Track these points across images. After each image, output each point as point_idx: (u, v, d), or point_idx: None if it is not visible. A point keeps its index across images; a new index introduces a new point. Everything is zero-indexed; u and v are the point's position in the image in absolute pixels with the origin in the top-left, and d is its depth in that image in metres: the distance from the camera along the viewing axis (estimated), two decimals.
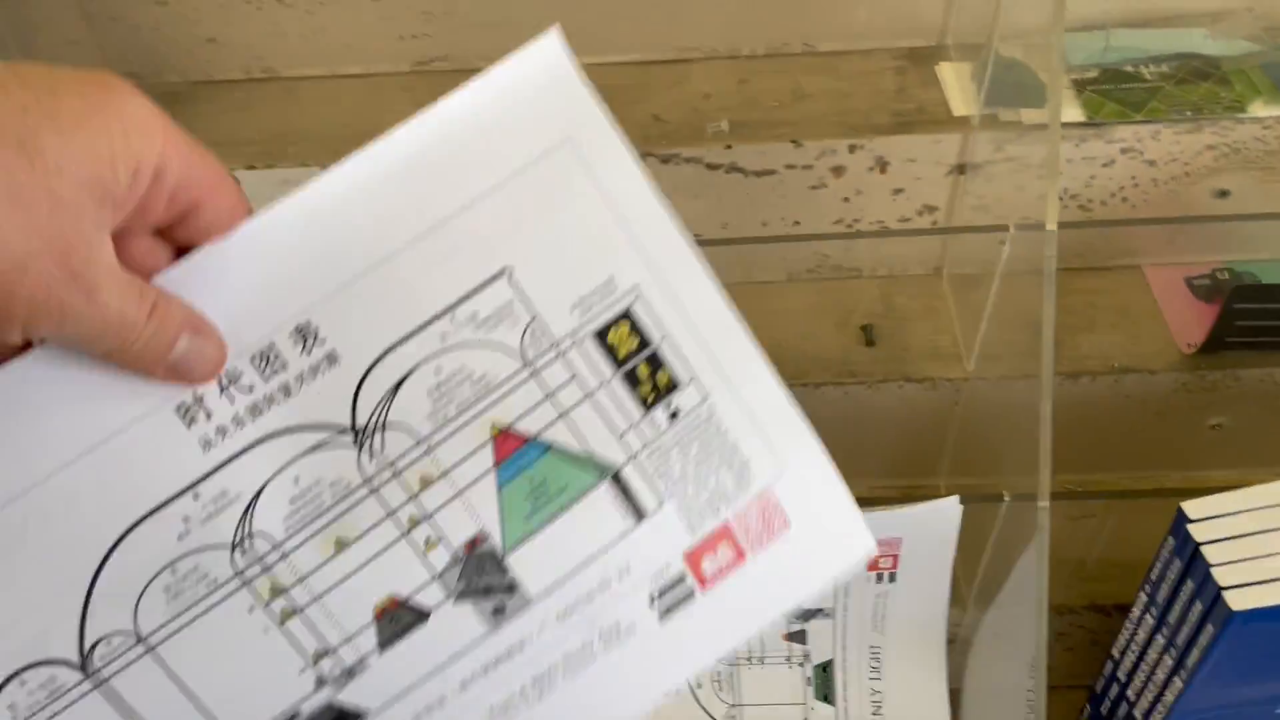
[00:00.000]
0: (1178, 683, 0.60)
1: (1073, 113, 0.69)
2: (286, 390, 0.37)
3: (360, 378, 0.38)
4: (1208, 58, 0.73)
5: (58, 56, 0.70)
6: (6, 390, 0.33)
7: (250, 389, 0.37)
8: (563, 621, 0.41)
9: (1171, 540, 0.57)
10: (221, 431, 0.36)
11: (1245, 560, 0.53)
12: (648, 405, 0.42)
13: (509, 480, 0.40)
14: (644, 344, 0.42)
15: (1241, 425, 0.72)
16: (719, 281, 0.43)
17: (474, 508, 0.40)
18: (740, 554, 0.44)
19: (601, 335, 0.41)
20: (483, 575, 0.40)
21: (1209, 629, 0.55)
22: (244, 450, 0.37)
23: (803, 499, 0.45)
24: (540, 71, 0.39)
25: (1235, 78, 0.71)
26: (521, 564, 0.40)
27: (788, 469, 0.44)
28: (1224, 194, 0.72)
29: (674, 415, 0.43)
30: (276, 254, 0.37)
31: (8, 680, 0.33)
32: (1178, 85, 0.71)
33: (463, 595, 0.40)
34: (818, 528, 0.45)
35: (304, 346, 0.38)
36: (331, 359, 0.38)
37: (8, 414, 0.33)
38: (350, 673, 0.38)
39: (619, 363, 0.42)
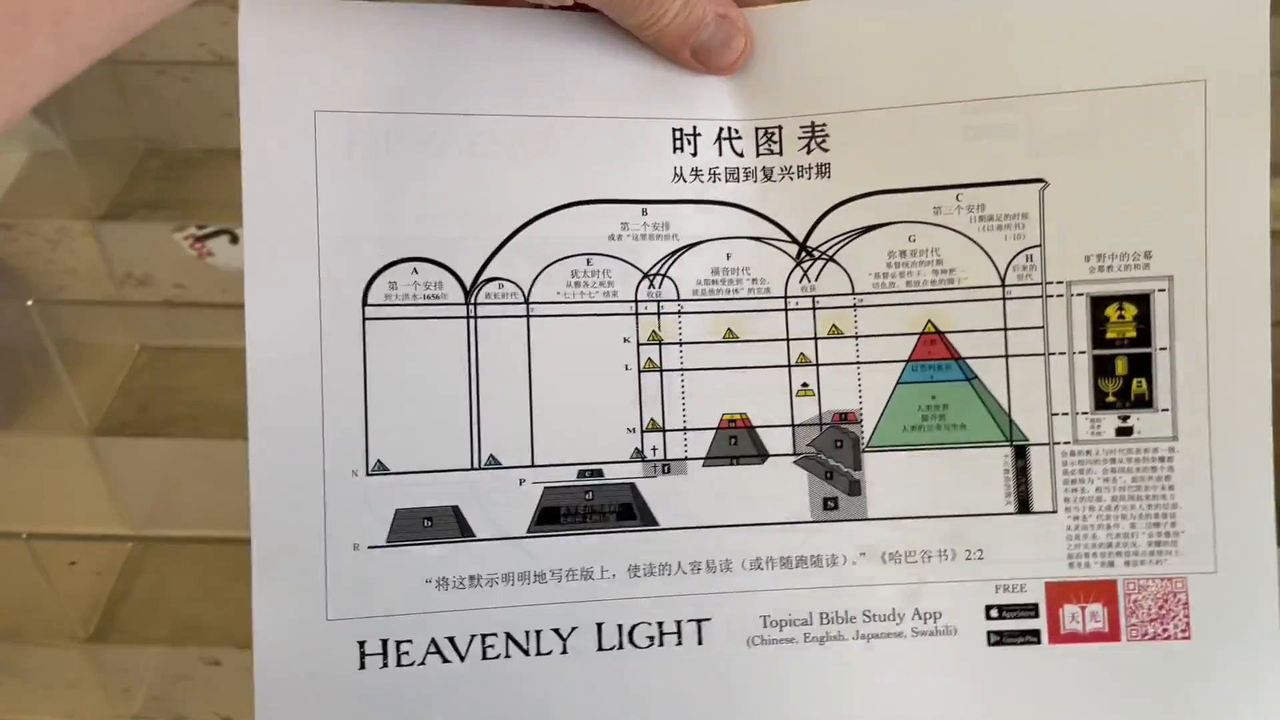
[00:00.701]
0: None
1: None
2: (769, 175, 0.37)
3: (837, 203, 0.36)
4: None
5: (92, 121, 0.76)
6: (560, 30, 0.35)
7: (740, 154, 0.37)
8: (886, 566, 0.36)
9: None
10: (695, 173, 0.36)
11: None
12: (1103, 404, 0.36)
13: (912, 382, 0.36)
14: (1141, 340, 0.36)
15: None
16: (1269, 336, 0.35)
17: (863, 385, 0.36)
18: (1115, 630, 0.36)
19: (1099, 303, 0.36)
20: (834, 454, 0.36)
21: None
22: (703, 201, 0.36)
23: (1220, 619, 0.35)
24: None
25: None
26: (876, 470, 0.36)
27: (1221, 574, 0.35)
28: None
29: (1125, 432, 0.36)
30: (833, 44, 0.36)
31: (408, 260, 0.35)
32: None
33: (806, 461, 0.36)
34: (1222, 666, 0.35)
35: (807, 146, 0.36)
36: (822, 171, 0.36)
37: (553, 48, 0.35)
38: (666, 468, 0.36)
39: (1101, 342, 0.36)
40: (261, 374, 0.34)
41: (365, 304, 0.35)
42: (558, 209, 0.36)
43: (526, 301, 0.36)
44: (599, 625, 0.35)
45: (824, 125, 0.36)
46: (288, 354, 0.34)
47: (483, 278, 0.35)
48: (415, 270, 0.35)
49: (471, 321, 0.35)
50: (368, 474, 0.35)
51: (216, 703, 0.45)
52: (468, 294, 0.35)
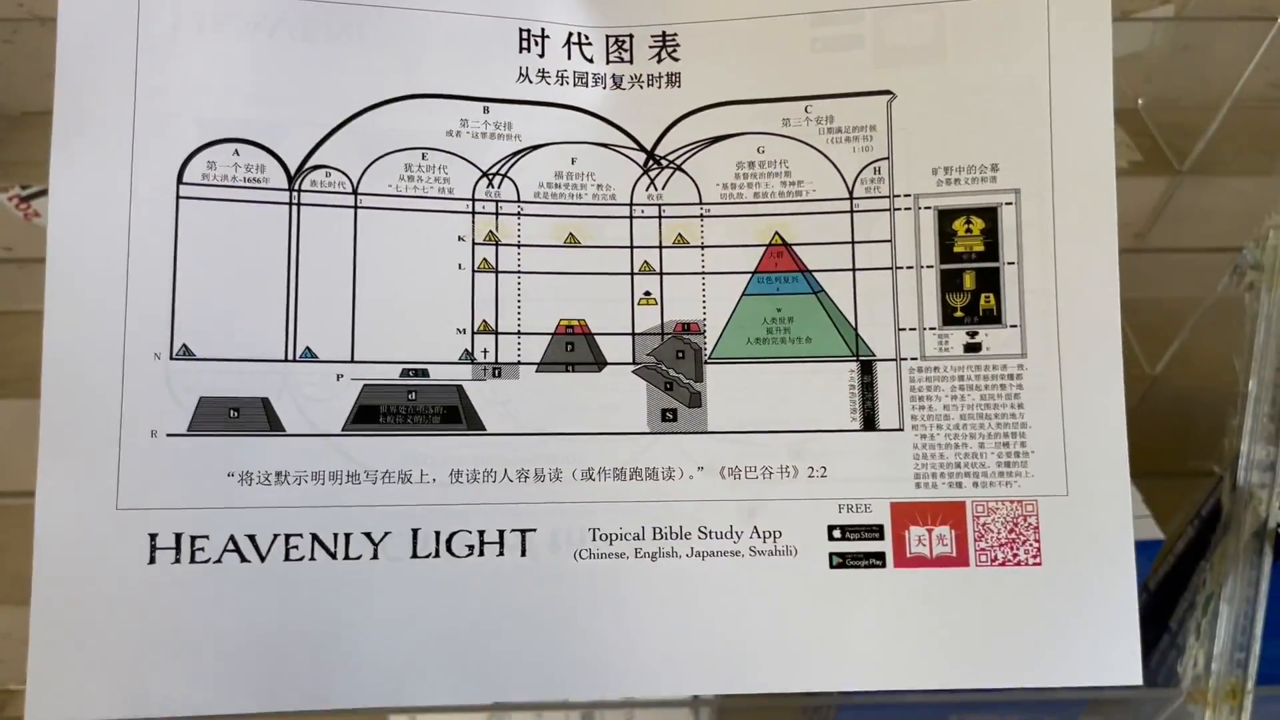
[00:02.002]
0: None
1: None
2: (618, 82, 0.36)
3: (685, 113, 0.36)
4: None
5: None
6: None
7: (590, 60, 0.36)
8: (724, 482, 0.34)
9: None
10: (543, 75, 0.36)
11: None
12: (951, 319, 0.35)
13: (758, 294, 0.35)
14: (989, 255, 0.35)
15: None
16: (1117, 252, 0.35)
17: (707, 295, 0.35)
18: (963, 554, 0.34)
19: (947, 216, 0.35)
20: (675, 364, 0.35)
21: None
22: (549, 103, 0.35)
23: (1071, 545, 0.34)
24: None
25: None
26: (718, 382, 0.35)
27: (1072, 497, 0.34)
28: None
29: (973, 349, 0.35)
30: None
31: (230, 141, 0.33)
32: None
33: (645, 371, 0.35)
34: (1074, 595, 0.34)
35: (658, 55, 0.36)
36: (672, 80, 0.36)
37: None
38: (497, 371, 0.34)
39: (949, 256, 0.35)
40: (62, 245, 0.32)
41: (180, 182, 0.33)
42: (393, 100, 0.35)
43: (355, 192, 0.34)
44: (415, 531, 0.33)
45: (675, 35, 0.36)
46: (92, 226, 0.32)
47: (309, 165, 0.34)
48: (236, 152, 0.33)
49: (294, 209, 0.34)
50: (171, 358, 0.32)
51: None
52: (291, 180, 0.34)
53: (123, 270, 0.32)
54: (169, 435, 0.32)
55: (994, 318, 0.35)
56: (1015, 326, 0.34)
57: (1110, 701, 0.42)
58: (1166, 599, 0.44)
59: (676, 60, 0.36)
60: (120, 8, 0.33)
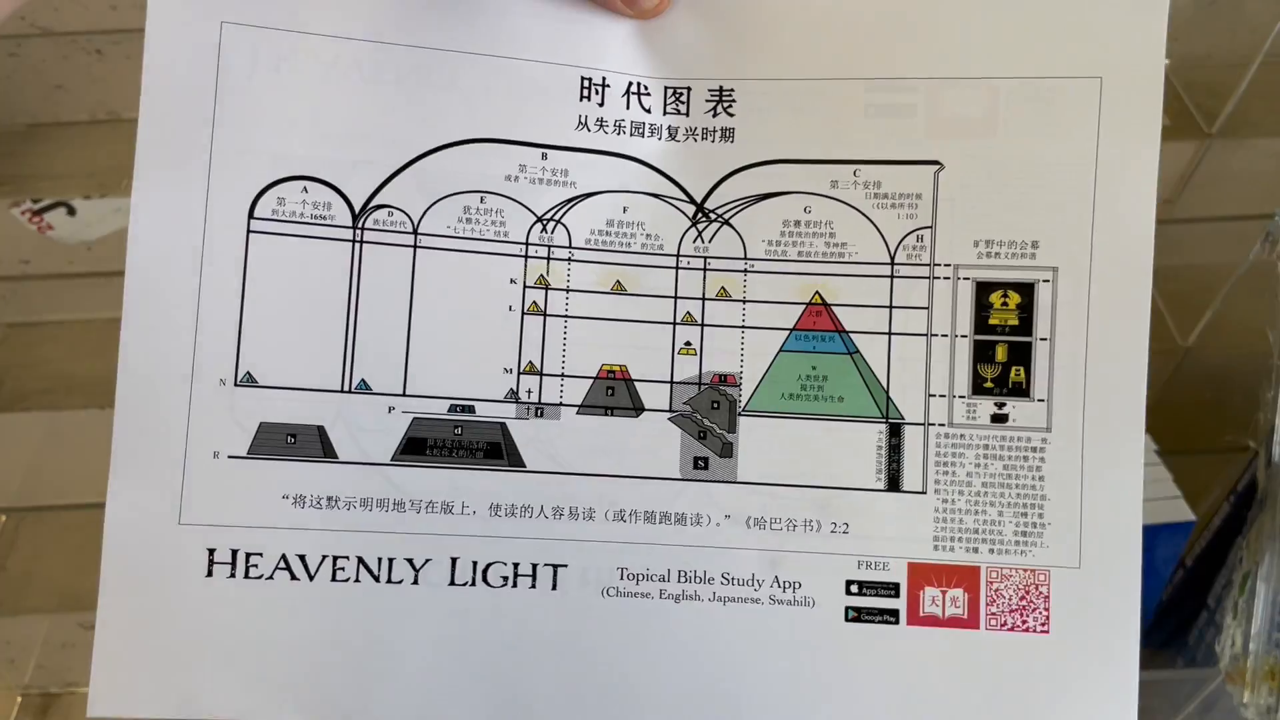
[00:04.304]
0: None
1: None
2: (673, 134, 0.37)
3: (736, 168, 0.37)
4: None
5: None
6: None
7: (648, 110, 0.37)
8: (750, 531, 0.36)
9: None
10: (600, 124, 0.37)
11: None
12: (980, 389, 0.36)
13: (795, 350, 0.36)
14: (1023, 329, 0.36)
15: None
16: (1147, 336, 0.35)
17: (745, 349, 0.36)
18: (974, 617, 0.35)
19: (984, 289, 0.36)
20: (710, 414, 0.36)
21: None
22: (605, 152, 0.37)
23: (1079, 616, 0.35)
24: None
25: None
26: (750, 435, 0.36)
27: (1084, 570, 0.35)
28: None
29: (1000, 419, 0.36)
30: (746, 10, 0.36)
31: (299, 179, 0.35)
32: None
33: (681, 419, 0.36)
34: (1077, 665, 0.35)
35: (713, 109, 0.37)
36: (726, 135, 0.37)
37: None
38: (540, 411, 0.36)
39: (983, 328, 0.36)
40: (140, 272, 0.34)
41: (251, 216, 0.35)
42: (455, 144, 0.36)
43: (415, 232, 0.36)
44: (454, 560, 0.35)
45: (731, 90, 0.37)
46: (168, 256, 0.34)
47: (373, 204, 0.36)
48: (305, 189, 0.35)
49: (357, 246, 0.35)
50: (235, 384, 0.34)
51: None
52: (356, 218, 0.35)
53: (195, 299, 0.34)
54: (230, 457, 0.34)
55: (1023, 391, 0.36)
56: (1043, 401, 0.35)
57: (1146, 683, 0.43)
58: (1204, 575, 0.44)
59: (731, 115, 0.37)
60: (202, 46, 0.34)
